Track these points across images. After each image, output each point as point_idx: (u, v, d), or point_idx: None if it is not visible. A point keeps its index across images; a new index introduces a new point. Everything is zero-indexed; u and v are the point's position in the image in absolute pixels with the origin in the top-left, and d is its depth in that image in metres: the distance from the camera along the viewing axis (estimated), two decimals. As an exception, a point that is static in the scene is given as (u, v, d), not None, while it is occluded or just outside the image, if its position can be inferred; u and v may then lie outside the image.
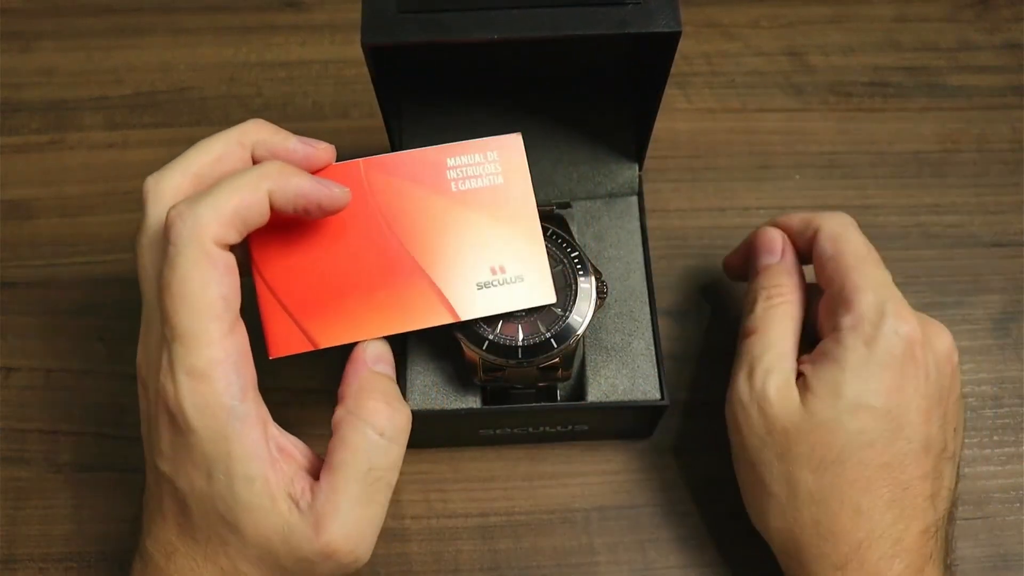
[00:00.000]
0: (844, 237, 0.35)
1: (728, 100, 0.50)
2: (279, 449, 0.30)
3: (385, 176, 0.33)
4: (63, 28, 0.52)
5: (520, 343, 0.36)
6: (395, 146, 0.41)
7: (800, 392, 0.34)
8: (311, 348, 0.32)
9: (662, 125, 0.40)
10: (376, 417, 0.30)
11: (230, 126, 0.32)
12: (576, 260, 0.37)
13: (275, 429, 0.30)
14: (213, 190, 0.29)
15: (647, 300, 0.40)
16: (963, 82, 0.50)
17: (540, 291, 0.34)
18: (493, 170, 0.34)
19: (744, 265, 0.40)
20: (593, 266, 0.37)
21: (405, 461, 0.40)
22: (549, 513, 0.40)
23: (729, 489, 0.37)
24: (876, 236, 0.46)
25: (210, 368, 0.28)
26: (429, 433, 0.39)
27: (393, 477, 0.31)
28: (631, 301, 0.41)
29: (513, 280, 0.34)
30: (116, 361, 0.43)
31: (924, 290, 0.45)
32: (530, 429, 0.39)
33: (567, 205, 0.42)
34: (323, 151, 0.32)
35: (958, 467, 0.35)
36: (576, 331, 0.36)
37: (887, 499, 0.32)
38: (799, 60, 0.51)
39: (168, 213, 0.29)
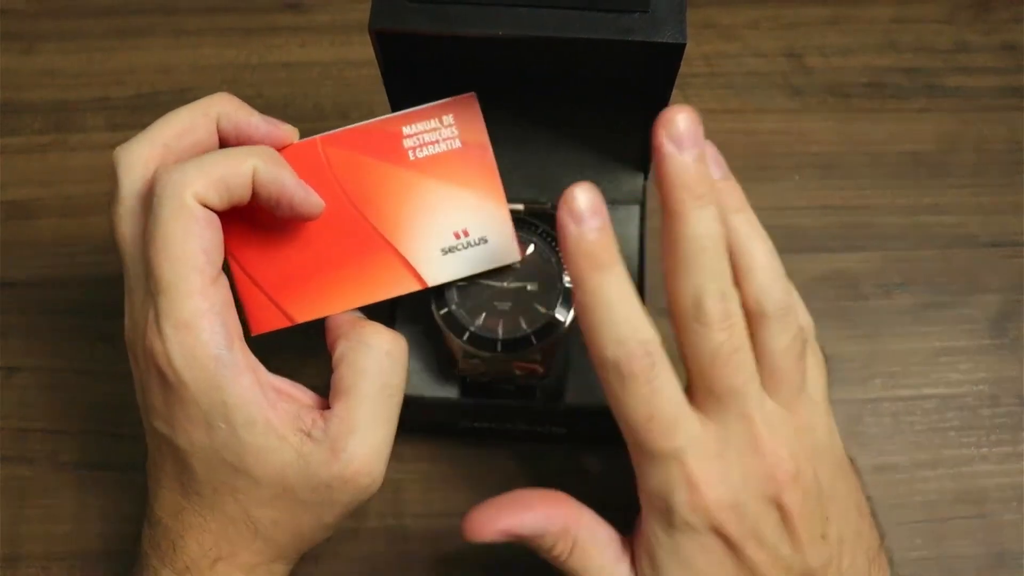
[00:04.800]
0: (622, 410, 0.28)
1: (727, 101, 0.50)
2: (277, 392, 0.31)
3: (343, 151, 0.34)
4: (65, 29, 0.52)
5: (500, 336, 0.36)
6: None
7: None
8: (289, 323, 0.33)
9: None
10: (379, 338, 0.32)
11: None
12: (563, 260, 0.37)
13: (269, 376, 0.31)
14: (202, 156, 0.30)
15: None
16: (961, 83, 0.50)
17: (503, 251, 0.35)
18: (450, 134, 0.34)
19: None
20: None
21: (406, 459, 0.41)
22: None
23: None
24: (875, 236, 0.46)
25: (194, 318, 0.29)
26: (407, 418, 0.40)
27: (400, 396, 0.32)
28: None
29: (477, 242, 0.34)
30: (118, 360, 0.43)
31: (922, 290, 0.45)
32: (508, 426, 0.39)
33: (568, 207, 0.42)
34: (284, 131, 0.33)
35: (865, 551, 0.31)
36: (558, 329, 0.36)
37: None
38: (798, 61, 0.51)
39: (156, 171, 0.30)
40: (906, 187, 0.48)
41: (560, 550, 0.31)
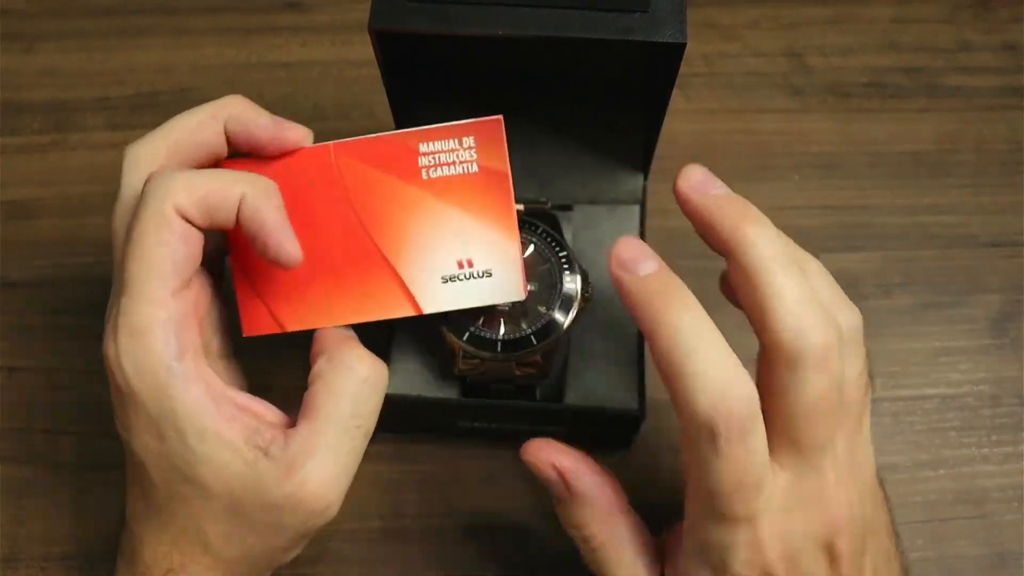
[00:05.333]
0: (705, 471, 0.26)
1: (727, 101, 0.50)
2: (237, 406, 0.30)
3: (355, 161, 0.32)
4: (65, 29, 0.52)
5: (500, 337, 0.36)
6: None
7: None
8: (279, 331, 0.33)
9: (662, 126, 0.40)
10: (360, 364, 0.31)
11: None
12: (564, 260, 0.37)
13: (229, 390, 0.30)
14: (195, 171, 0.30)
15: None
16: (961, 83, 0.50)
17: (508, 287, 0.33)
18: (468, 157, 0.32)
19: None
20: (580, 267, 0.38)
21: (406, 459, 0.41)
22: (550, 513, 0.40)
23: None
24: (875, 236, 0.46)
25: (149, 325, 0.28)
26: (407, 418, 0.40)
27: (370, 426, 0.31)
28: (620, 309, 0.40)
29: (480, 275, 0.33)
30: (118, 361, 0.43)
31: (922, 290, 0.45)
32: (508, 426, 0.39)
33: (568, 207, 0.42)
34: (294, 133, 0.32)
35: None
36: (557, 329, 0.36)
37: None
38: (798, 61, 0.51)
39: (150, 174, 0.30)
40: (906, 187, 0.48)
41: (594, 533, 0.31)
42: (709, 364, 0.25)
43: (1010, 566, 0.39)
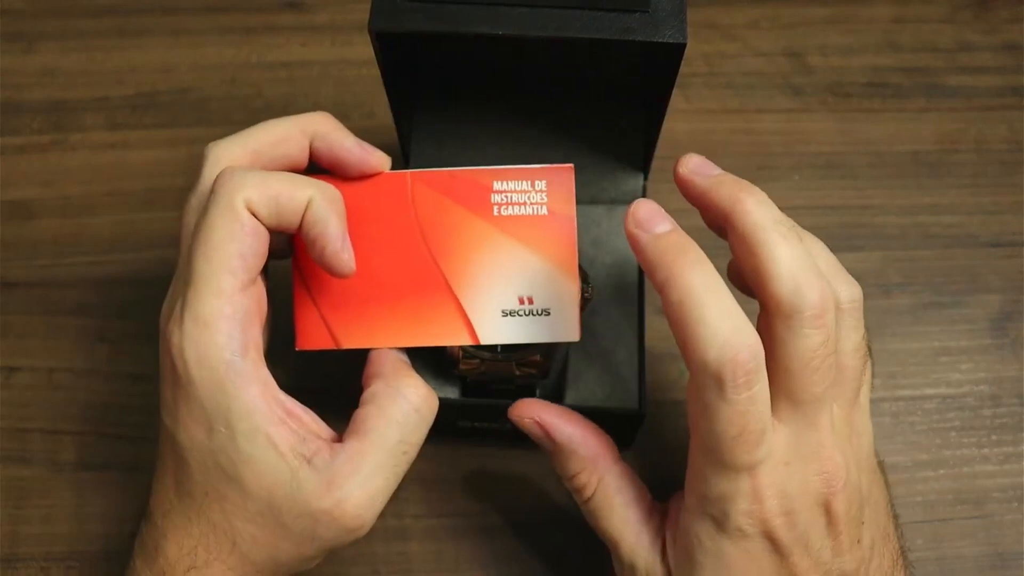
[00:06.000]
0: (710, 416, 0.27)
1: (727, 101, 0.50)
2: (287, 412, 0.30)
3: (430, 190, 0.33)
4: (64, 29, 0.52)
5: None
6: (403, 141, 0.41)
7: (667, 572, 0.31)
8: (334, 347, 0.33)
9: (662, 126, 0.40)
10: (415, 393, 0.31)
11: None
12: None
13: (283, 395, 0.30)
14: (268, 172, 0.30)
15: (636, 310, 0.40)
16: (961, 83, 0.50)
17: (564, 328, 0.34)
18: (539, 199, 0.33)
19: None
20: (581, 268, 0.38)
21: (406, 460, 0.41)
22: (549, 513, 0.40)
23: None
24: (875, 236, 0.46)
25: (214, 318, 0.28)
26: None
27: (413, 455, 0.32)
28: (621, 310, 0.41)
29: (539, 312, 0.34)
30: (118, 361, 0.43)
31: (922, 290, 0.45)
32: (508, 426, 0.39)
33: (568, 207, 0.42)
34: (377, 158, 0.33)
35: (891, 555, 0.31)
36: None
37: None
38: (798, 61, 0.51)
39: (221, 171, 0.30)
40: (906, 187, 0.48)
41: (584, 482, 0.32)
42: (718, 315, 0.26)
43: (1010, 566, 0.39)
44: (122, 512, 0.40)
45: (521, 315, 0.34)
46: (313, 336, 0.33)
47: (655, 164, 0.42)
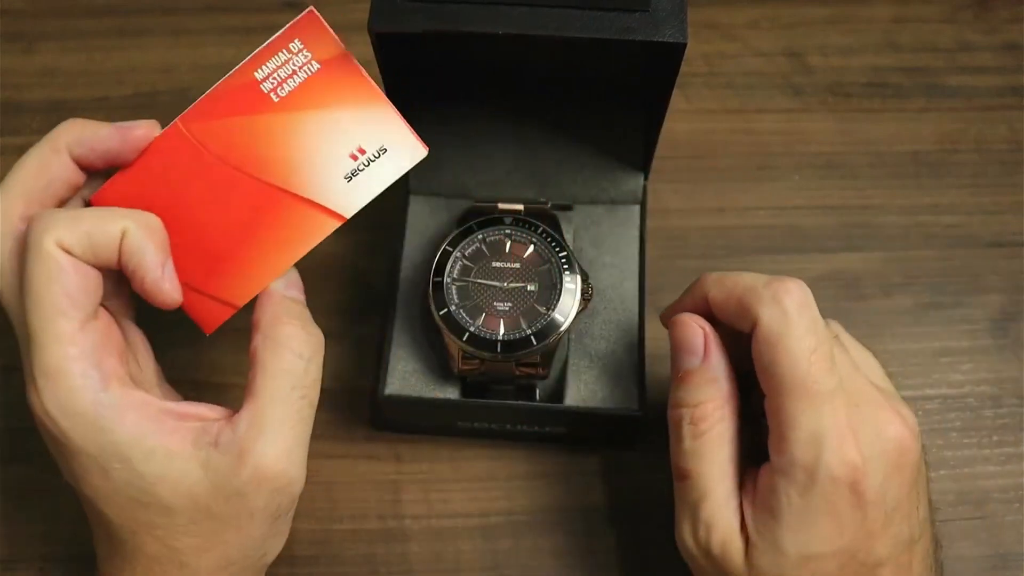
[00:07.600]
0: (783, 343, 0.29)
1: (727, 101, 0.50)
2: (178, 416, 0.30)
3: (206, 123, 0.32)
4: (65, 29, 0.52)
5: (500, 337, 0.36)
6: None
7: (744, 543, 0.31)
8: (233, 310, 0.33)
9: (662, 126, 0.41)
10: (292, 340, 0.31)
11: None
12: (563, 259, 0.37)
13: (165, 403, 0.30)
14: (77, 209, 0.30)
15: (637, 310, 0.40)
16: (962, 83, 0.50)
17: (407, 152, 0.33)
18: (304, 59, 0.33)
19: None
20: (580, 267, 0.38)
21: (406, 459, 0.41)
22: (549, 513, 0.40)
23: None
24: (875, 236, 0.46)
25: (63, 364, 0.28)
26: (407, 419, 0.40)
27: (315, 395, 0.31)
28: (621, 310, 0.41)
29: (377, 155, 0.33)
30: (117, 361, 0.43)
31: (923, 290, 0.45)
32: (508, 426, 0.39)
33: (568, 207, 0.42)
34: (140, 129, 0.32)
35: (932, 534, 0.33)
36: (557, 329, 0.36)
37: None
38: (798, 61, 0.51)
39: (28, 222, 0.29)
40: (906, 187, 0.48)
41: (707, 413, 0.31)
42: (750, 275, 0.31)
43: (1011, 567, 0.39)
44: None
45: (362, 168, 0.33)
46: (211, 315, 0.33)
47: (655, 164, 0.42)
